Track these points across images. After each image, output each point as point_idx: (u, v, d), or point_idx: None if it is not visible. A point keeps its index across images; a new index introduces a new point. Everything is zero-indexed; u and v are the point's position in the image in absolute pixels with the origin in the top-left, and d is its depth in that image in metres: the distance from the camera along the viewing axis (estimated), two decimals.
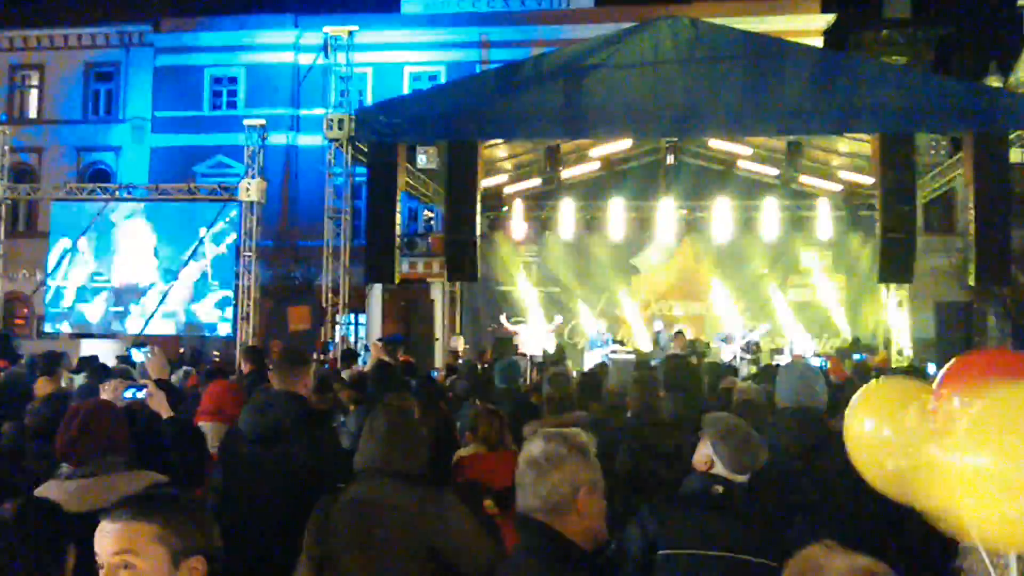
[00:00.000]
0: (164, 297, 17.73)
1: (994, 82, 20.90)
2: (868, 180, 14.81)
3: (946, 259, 19.57)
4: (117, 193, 18.27)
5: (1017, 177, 13.64)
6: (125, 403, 4.24)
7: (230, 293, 17.54)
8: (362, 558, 3.08)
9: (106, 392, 4.47)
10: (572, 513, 2.20)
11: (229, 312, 17.56)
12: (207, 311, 17.85)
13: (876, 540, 3.02)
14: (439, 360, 17.57)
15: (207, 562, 1.81)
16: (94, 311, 18.12)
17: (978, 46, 23.72)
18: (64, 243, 18.04)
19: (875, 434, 2.49)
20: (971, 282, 12.70)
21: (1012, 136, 12.39)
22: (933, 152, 12.78)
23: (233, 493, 3.83)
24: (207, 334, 18.39)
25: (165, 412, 4.39)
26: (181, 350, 17.51)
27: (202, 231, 17.58)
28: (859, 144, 13.98)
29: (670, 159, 16.29)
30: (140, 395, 4.38)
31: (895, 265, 12.43)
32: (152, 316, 17.79)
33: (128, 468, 3.19)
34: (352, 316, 17.91)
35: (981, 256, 12.03)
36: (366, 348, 14.96)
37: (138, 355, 10.58)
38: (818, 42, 23.47)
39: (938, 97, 12.01)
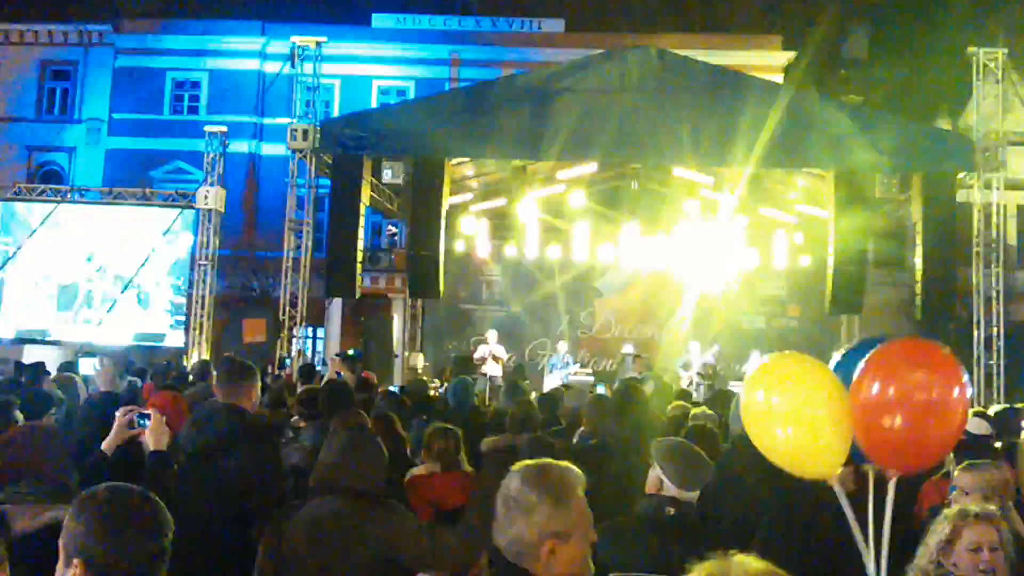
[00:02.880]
0: (114, 304, 17.39)
1: (944, 125, 21.51)
2: (823, 214, 15.15)
3: (895, 293, 20.02)
4: (69, 195, 17.92)
5: (963, 216, 14.06)
6: (138, 431, 3.94)
7: (183, 302, 17.27)
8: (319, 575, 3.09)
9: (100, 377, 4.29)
10: (541, 563, 2.11)
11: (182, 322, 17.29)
12: (158, 320, 17.54)
13: (830, 565, 3.11)
14: (398, 377, 17.49)
15: (84, 567, 1.89)
16: (40, 316, 17.63)
17: (930, 89, 24.42)
18: (11, 244, 17.57)
19: (767, 405, 2.61)
20: (918, 316, 13.05)
21: (959, 177, 12.83)
22: (885, 189, 13.12)
23: (169, 507, 3.77)
24: (157, 344, 18.04)
25: (155, 444, 3.93)
26: (130, 359, 17.19)
27: (156, 238, 17.29)
28: (815, 179, 14.30)
29: (634, 185, 16.50)
30: (144, 424, 4.11)
31: (845, 297, 12.72)
32: (100, 324, 17.42)
33: (37, 500, 2.91)
34: (310, 330, 17.78)
35: (927, 292, 12.39)
36: (323, 363, 14.85)
37: (86, 364, 10.37)
38: (779, 78, 23.98)
39: (891, 137, 12.38)
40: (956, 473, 3.90)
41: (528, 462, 2.27)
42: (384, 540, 3.13)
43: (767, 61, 24.97)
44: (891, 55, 26.61)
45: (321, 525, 3.14)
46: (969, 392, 2.43)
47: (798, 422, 2.48)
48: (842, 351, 2.74)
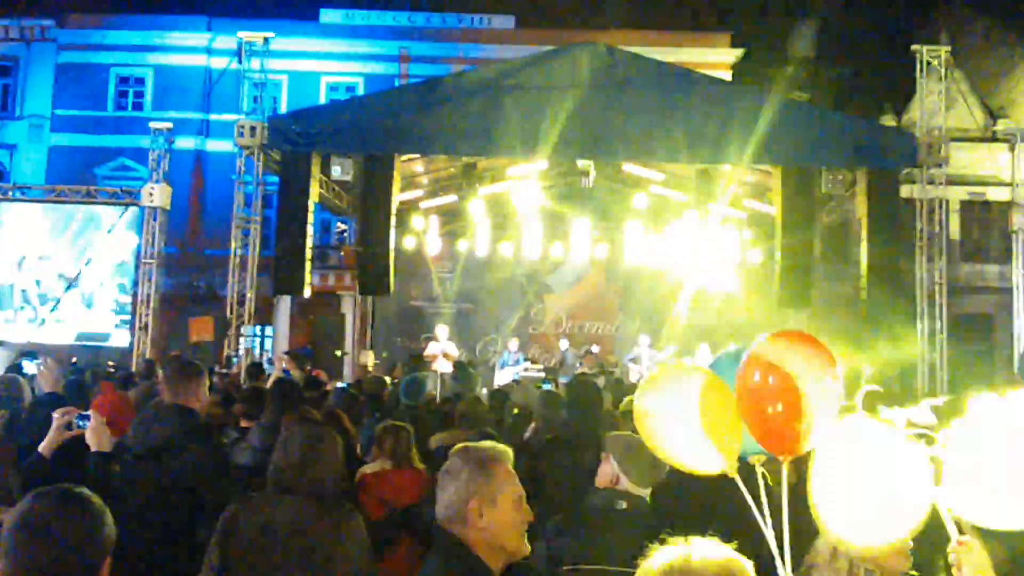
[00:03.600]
0: (57, 304, 16.98)
1: (889, 121, 21.99)
2: (771, 209, 15.36)
3: (842, 287, 20.41)
4: (11, 193, 17.47)
5: (907, 211, 14.38)
6: (76, 431, 3.85)
7: (128, 301, 16.93)
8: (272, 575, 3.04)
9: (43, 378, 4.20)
10: (470, 526, 2.27)
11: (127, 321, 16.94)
12: (103, 319, 17.17)
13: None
14: (349, 375, 17.33)
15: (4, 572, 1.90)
16: None
17: (875, 87, 24.95)
18: None
19: (658, 410, 2.73)
20: (863, 310, 13.31)
21: (903, 172, 13.11)
22: (831, 184, 13.36)
23: (112, 509, 3.69)
24: (102, 344, 17.65)
25: (96, 446, 3.86)
26: (74, 359, 16.77)
27: (101, 236, 16.94)
28: (763, 175, 14.49)
29: (584, 181, 16.54)
30: (84, 424, 4.00)
31: (794, 291, 12.92)
32: (43, 323, 17.01)
33: None
34: (258, 328, 17.51)
35: (872, 285, 12.64)
36: (270, 361, 14.65)
37: (29, 366, 10.08)
38: (727, 75, 24.27)
39: (837, 133, 12.60)
40: None
41: (458, 444, 2.49)
42: (340, 547, 3.10)
43: (716, 58, 25.25)
44: (837, 53, 27.12)
45: (278, 527, 3.08)
46: (840, 384, 2.55)
47: (688, 423, 2.61)
48: (717, 356, 2.89)
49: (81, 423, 3.85)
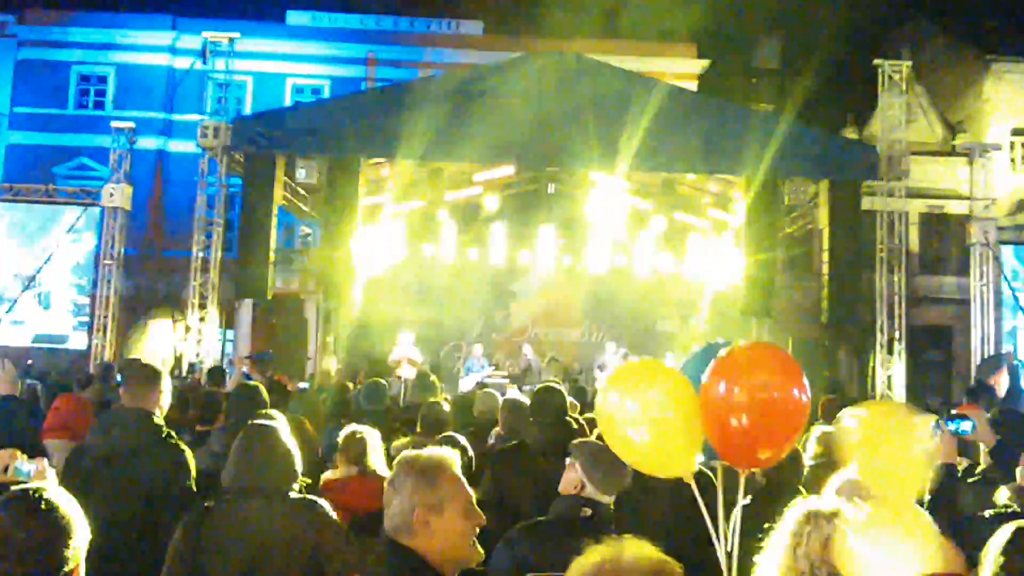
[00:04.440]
0: (13, 304, 16.63)
1: (851, 134, 22.31)
2: (735, 219, 15.52)
3: (804, 297, 20.67)
4: None
5: (868, 223, 14.59)
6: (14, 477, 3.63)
7: (87, 302, 16.64)
8: None
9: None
10: (417, 535, 2.25)
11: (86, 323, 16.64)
12: (60, 321, 16.86)
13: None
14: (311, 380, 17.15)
15: None
16: None
17: (838, 100, 25.33)
18: None
19: (621, 409, 2.70)
20: (824, 320, 13.48)
21: (864, 185, 13.32)
22: (794, 195, 13.53)
23: None
24: (60, 346, 17.32)
25: None
26: (30, 362, 16.42)
27: (60, 236, 16.64)
28: (727, 184, 14.63)
29: (551, 188, 16.59)
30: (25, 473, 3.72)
31: (756, 300, 13.07)
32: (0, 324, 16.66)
33: None
34: (220, 332, 17.29)
35: (833, 296, 12.81)
36: (231, 363, 14.47)
37: None
38: (692, 86, 24.48)
39: (800, 145, 12.76)
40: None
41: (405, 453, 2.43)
42: (310, 540, 3.09)
43: (682, 68, 25.47)
44: (800, 65, 27.51)
45: (240, 526, 3.05)
46: (808, 395, 2.55)
47: (650, 424, 2.58)
48: (687, 356, 2.86)
49: (21, 470, 3.09)
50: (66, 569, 1.93)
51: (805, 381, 2.55)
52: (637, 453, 2.68)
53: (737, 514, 2.57)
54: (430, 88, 13.00)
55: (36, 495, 1.97)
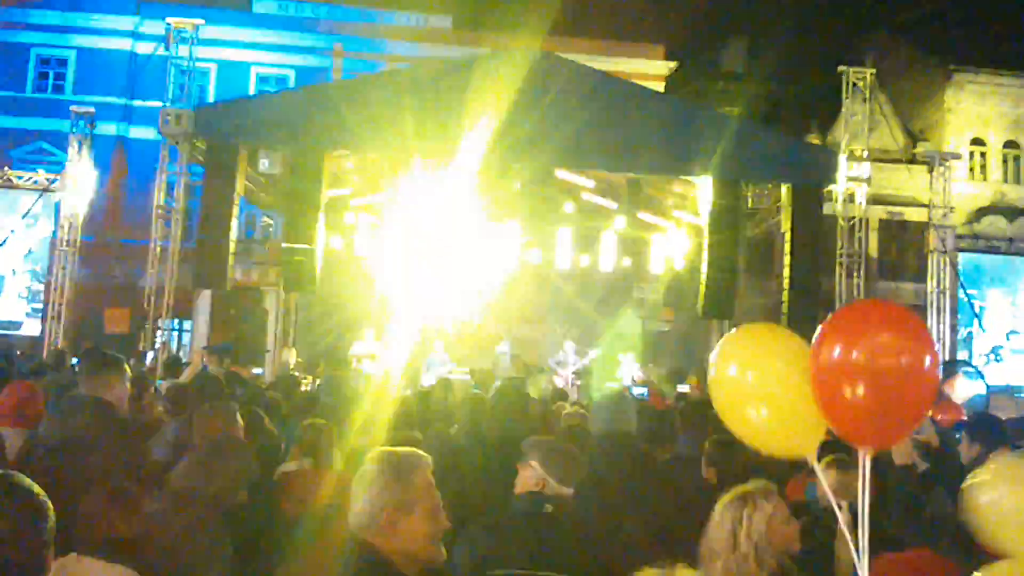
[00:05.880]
0: None
1: (814, 140, 22.62)
2: (698, 220, 15.62)
3: (764, 300, 20.90)
4: None
5: (828, 228, 14.78)
6: None
7: (41, 289, 16.30)
8: None
9: None
10: (382, 534, 2.21)
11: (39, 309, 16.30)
12: (13, 307, 16.50)
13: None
14: (269, 372, 16.97)
15: None
16: None
17: (802, 105, 25.65)
18: None
19: (739, 380, 2.42)
20: (784, 323, 13.61)
21: (826, 190, 13.49)
22: (757, 198, 13.67)
23: None
24: (12, 332, 16.95)
25: None
26: None
27: (15, 221, 16.27)
28: (691, 185, 14.72)
29: (516, 185, 16.53)
30: None
31: (717, 302, 13.17)
32: None
33: None
34: (177, 322, 17.04)
35: (793, 300, 12.96)
36: (188, 355, 14.25)
37: None
38: (660, 87, 24.63)
39: (764, 149, 12.90)
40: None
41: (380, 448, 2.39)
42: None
43: (649, 69, 25.59)
44: (766, 70, 27.79)
45: (177, 536, 3.00)
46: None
47: (770, 400, 2.31)
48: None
49: None
50: (43, 553, 1.95)
51: (937, 345, 2.31)
52: (755, 431, 2.40)
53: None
54: (397, 81, 12.92)
55: (13, 480, 1.98)
